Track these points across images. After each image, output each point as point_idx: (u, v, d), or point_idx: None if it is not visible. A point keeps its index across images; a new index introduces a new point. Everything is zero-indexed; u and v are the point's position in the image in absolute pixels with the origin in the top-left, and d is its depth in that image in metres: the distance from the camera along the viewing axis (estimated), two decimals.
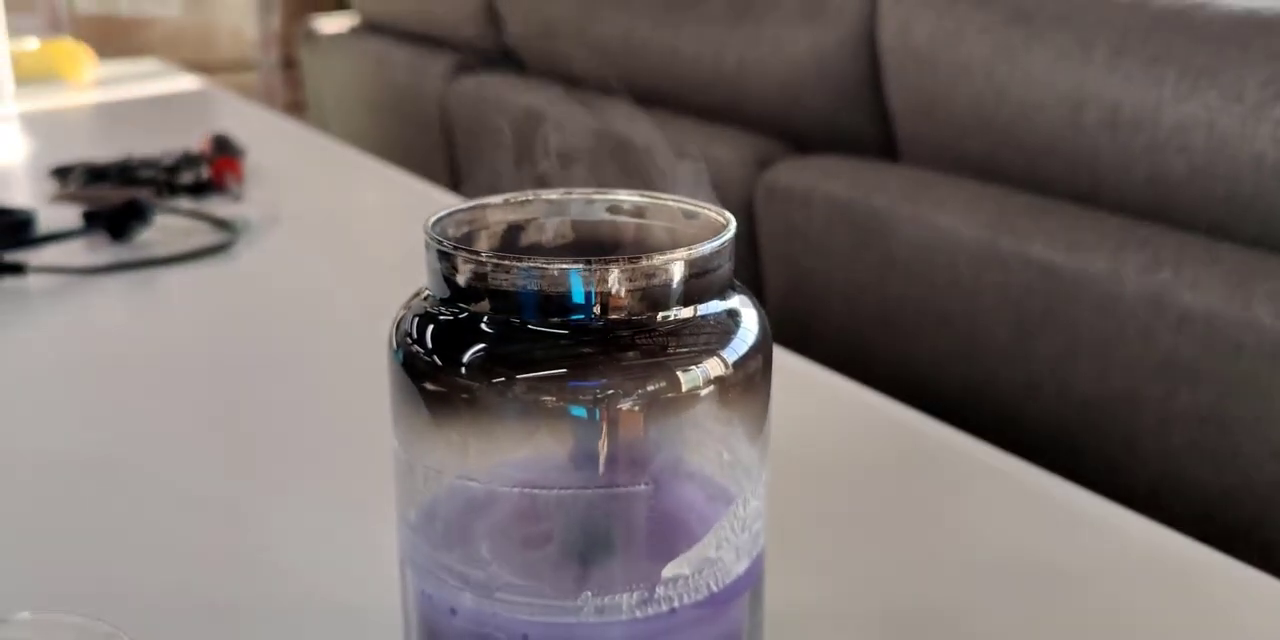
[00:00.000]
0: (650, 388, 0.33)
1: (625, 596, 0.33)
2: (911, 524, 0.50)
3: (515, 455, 0.34)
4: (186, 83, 1.87)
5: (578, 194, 0.38)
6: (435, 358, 0.33)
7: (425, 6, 1.75)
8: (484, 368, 0.32)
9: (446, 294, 0.34)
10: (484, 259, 0.32)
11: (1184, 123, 0.71)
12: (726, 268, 0.35)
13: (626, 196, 0.38)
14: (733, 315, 0.35)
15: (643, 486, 0.33)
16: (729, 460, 0.35)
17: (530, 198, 0.38)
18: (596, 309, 0.33)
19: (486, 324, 0.33)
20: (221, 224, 0.98)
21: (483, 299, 0.33)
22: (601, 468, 0.33)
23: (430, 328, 0.34)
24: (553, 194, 0.38)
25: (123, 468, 0.56)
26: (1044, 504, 0.51)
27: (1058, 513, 0.50)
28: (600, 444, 0.33)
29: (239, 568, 0.47)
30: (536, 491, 0.33)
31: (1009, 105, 0.83)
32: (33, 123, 1.54)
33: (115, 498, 0.53)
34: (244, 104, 1.66)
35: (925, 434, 0.57)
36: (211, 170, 1.13)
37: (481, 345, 0.33)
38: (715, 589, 0.34)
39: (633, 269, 0.32)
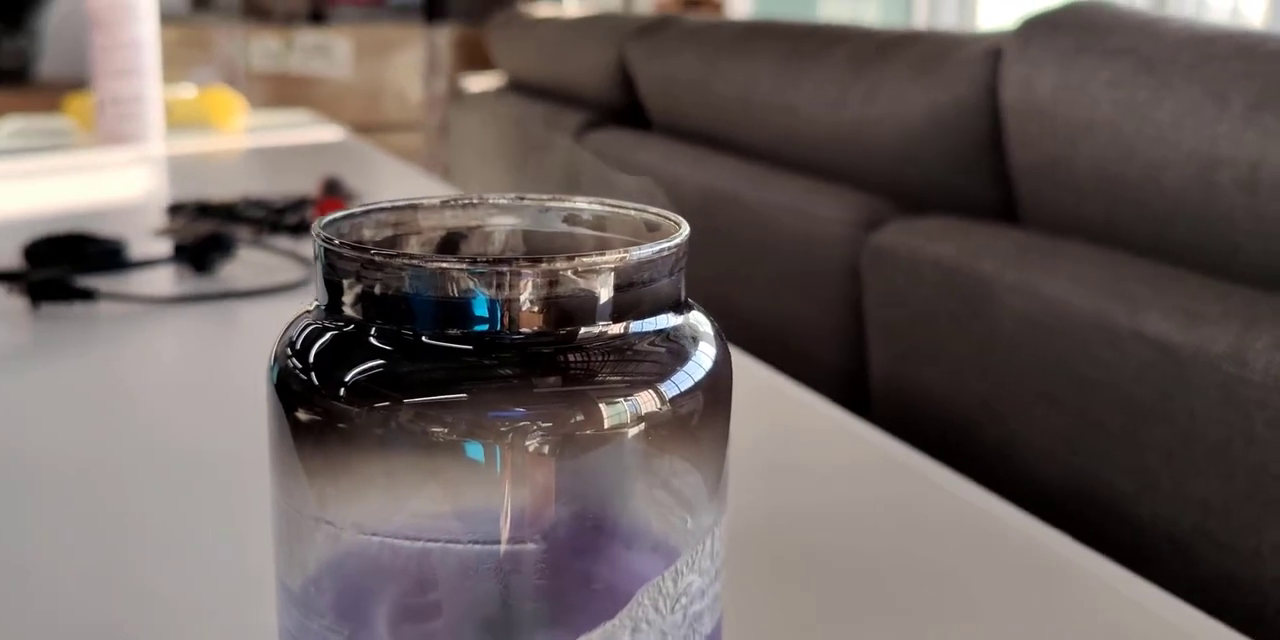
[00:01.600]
0: (562, 421, 0.27)
1: None
2: (999, 635, 0.42)
3: (399, 500, 0.28)
4: (329, 133, 1.90)
5: (530, 199, 0.33)
6: (311, 376, 0.28)
7: (562, 65, 1.74)
8: (363, 389, 0.27)
9: (327, 301, 0.28)
10: (361, 255, 0.27)
11: None
12: (673, 281, 0.29)
13: (585, 205, 0.33)
14: (679, 339, 0.29)
15: (531, 545, 0.27)
16: (659, 521, 0.29)
17: (475, 201, 0.33)
18: (504, 321, 0.27)
19: (375, 337, 0.28)
20: (305, 261, 0.96)
21: (367, 306, 0.28)
22: (489, 517, 0.27)
23: (311, 342, 0.29)
24: (502, 198, 0.33)
25: (170, 489, 0.52)
26: (1153, 623, 0.43)
27: (1169, 635, 0.42)
28: (494, 488, 0.27)
29: None
30: (422, 545, 0.28)
31: (1135, 164, 0.75)
32: (174, 164, 1.57)
33: (190, 527, 0.49)
34: (379, 154, 1.67)
35: (1021, 531, 0.49)
36: (316, 211, 1.13)
37: (364, 363, 0.27)
38: None
39: (545, 271, 0.27)
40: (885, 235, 0.93)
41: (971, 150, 0.92)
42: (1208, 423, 0.64)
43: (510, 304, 0.27)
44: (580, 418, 0.27)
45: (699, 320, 0.30)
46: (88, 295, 0.83)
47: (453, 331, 0.27)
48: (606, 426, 0.27)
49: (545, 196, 0.33)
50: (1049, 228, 0.85)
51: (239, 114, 1.94)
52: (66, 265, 0.88)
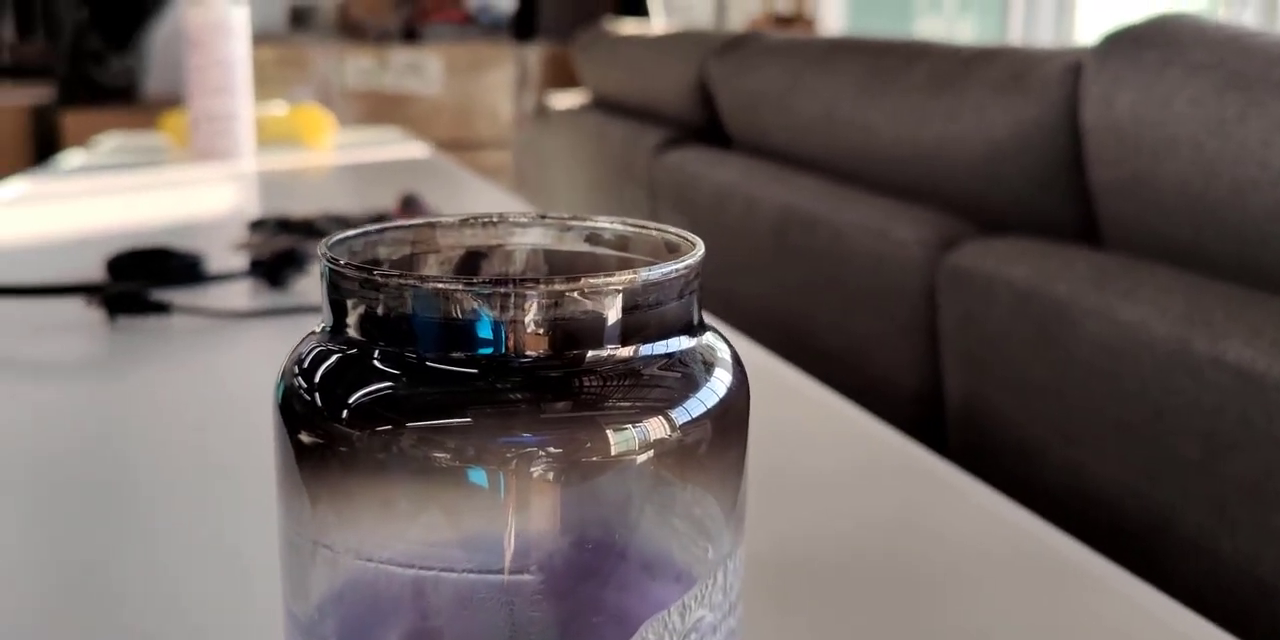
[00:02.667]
0: (569, 448, 0.26)
1: None
2: None
3: (400, 526, 0.27)
4: (416, 150, 1.92)
5: (551, 218, 0.32)
6: (314, 397, 0.27)
7: (645, 82, 1.74)
8: (365, 412, 0.26)
9: (332, 322, 0.28)
10: (361, 275, 0.27)
11: None
12: (684, 303, 0.28)
13: (607, 225, 0.32)
14: (691, 364, 0.28)
15: (528, 576, 0.26)
16: (668, 551, 0.28)
17: (495, 220, 0.32)
18: (509, 343, 0.26)
19: (378, 360, 0.27)
20: None
21: (370, 327, 0.27)
22: (491, 545, 0.26)
23: (317, 363, 0.28)
24: (523, 217, 0.32)
25: (239, 502, 0.53)
26: None
27: None
28: (497, 515, 0.26)
29: None
30: (421, 573, 0.27)
31: (1220, 184, 0.72)
32: (263, 179, 1.60)
33: (251, 546, 0.49)
34: (463, 172, 1.68)
35: (1091, 572, 0.47)
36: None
37: (367, 385, 0.27)
38: None
39: (549, 292, 0.26)
40: (962, 256, 0.90)
41: (1052, 169, 0.90)
42: (1276, 449, 0.62)
43: (515, 326, 0.26)
44: (588, 444, 0.26)
45: (714, 344, 0.29)
46: (162, 309, 0.85)
47: (457, 354, 0.26)
48: (614, 453, 0.26)
49: (566, 216, 0.32)
50: (1130, 248, 0.82)
51: (328, 131, 1.97)
52: (145, 279, 0.89)
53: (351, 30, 3.50)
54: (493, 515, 0.26)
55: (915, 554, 0.48)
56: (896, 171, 1.06)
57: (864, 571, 0.46)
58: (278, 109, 2.00)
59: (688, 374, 0.27)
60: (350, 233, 0.30)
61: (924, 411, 0.97)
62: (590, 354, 0.27)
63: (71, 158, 1.84)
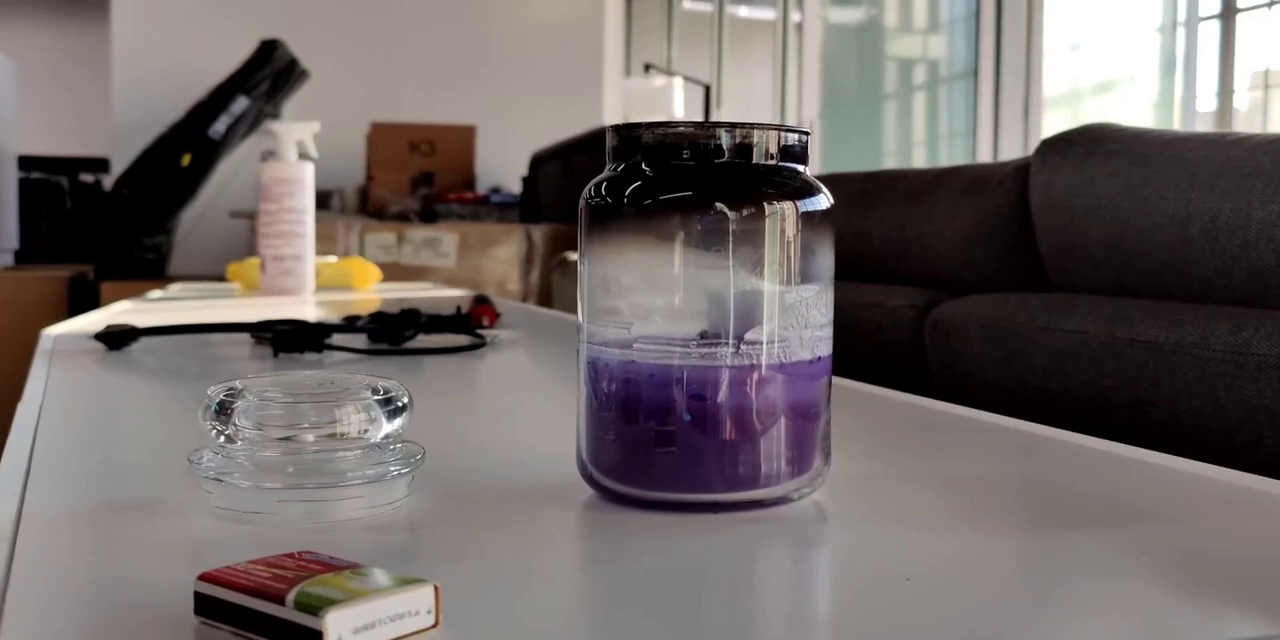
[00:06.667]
0: (747, 209, 0.49)
1: (721, 349, 0.49)
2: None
3: (653, 250, 0.50)
4: (454, 293, 2.18)
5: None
6: (601, 189, 0.51)
7: None
8: (631, 196, 0.50)
9: (616, 165, 0.52)
10: (648, 127, 0.51)
11: (1271, 220, 0.85)
12: (804, 155, 0.52)
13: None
14: (814, 190, 0.52)
15: (732, 268, 0.49)
16: (797, 279, 0.51)
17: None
18: (731, 154, 0.50)
19: (645, 166, 0.51)
20: (478, 335, 1.19)
21: (636, 154, 0.51)
22: (700, 253, 0.49)
23: (605, 180, 0.52)
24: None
25: None
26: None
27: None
28: (714, 236, 0.49)
29: None
30: (664, 270, 0.50)
31: (1132, 232, 0.98)
32: (332, 307, 1.84)
33: None
34: (506, 300, 1.93)
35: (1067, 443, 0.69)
36: (472, 313, 1.37)
37: (637, 182, 0.51)
38: (784, 360, 0.50)
39: (741, 133, 0.50)
40: (941, 311, 1.15)
41: (1008, 245, 1.16)
42: (1180, 396, 0.85)
43: (721, 146, 0.50)
44: (752, 210, 0.49)
45: (821, 187, 0.53)
46: (316, 346, 1.08)
47: (692, 163, 0.50)
48: (767, 214, 0.50)
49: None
50: (1070, 290, 1.07)
51: (375, 278, 2.23)
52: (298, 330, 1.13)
53: (373, 211, 3.82)
54: (703, 235, 0.49)
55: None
56: (887, 264, 1.31)
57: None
58: (329, 259, 2.26)
59: (811, 189, 0.51)
60: (639, 123, 0.54)
61: None
62: (755, 161, 0.50)
63: (151, 293, 2.08)
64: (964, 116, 5.23)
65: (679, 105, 4.84)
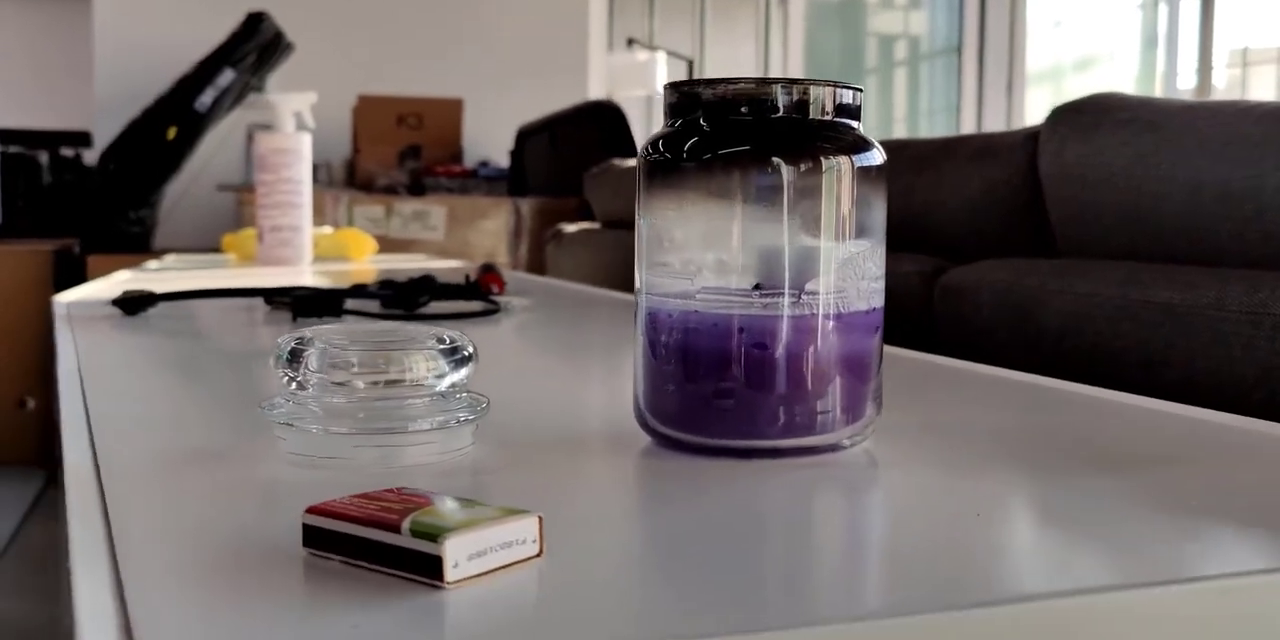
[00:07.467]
0: (804, 163, 0.51)
1: (782, 299, 0.50)
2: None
3: (712, 204, 0.52)
4: (447, 264, 2.19)
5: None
6: (659, 145, 0.52)
7: None
8: (690, 149, 0.51)
9: (674, 120, 0.53)
10: (705, 84, 0.52)
11: None
12: (857, 112, 0.53)
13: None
14: (869, 146, 0.53)
15: (790, 221, 0.50)
16: (854, 232, 0.52)
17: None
18: (787, 110, 0.51)
19: (704, 125, 0.52)
20: (491, 301, 1.20)
21: (694, 110, 0.52)
22: (755, 203, 0.51)
23: (661, 135, 0.53)
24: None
25: None
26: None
27: None
28: (772, 190, 0.51)
29: None
30: (723, 223, 0.51)
31: (1144, 199, 1.00)
32: (332, 276, 1.85)
33: None
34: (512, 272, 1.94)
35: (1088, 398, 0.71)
36: (481, 281, 1.38)
37: (696, 137, 0.52)
38: (841, 310, 0.51)
39: (799, 89, 0.51)
40: (950, 278, 1.17)
41: (1014, 214, 1.17)
42: (1195, 356, 0.87)
43: (778, 102, 0.51)
44: (810, 164, 0.51)
45: (875, 143, 0.54)
46: (335, 311, 1.08)
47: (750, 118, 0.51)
48: (824, 167, 0.51)
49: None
50: (1080, 256, 1.09)
51: (371, 249, 2.23)
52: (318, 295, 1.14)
53: (361, 184, 3.82)
54: (762, 187, 0.51)
55: None
56: (893, 231, 1.32)
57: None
58: (325, 230, 2.26)
59: (866, 145, 0.53)
60: (687, 79, 0.55)
61: None
62: (812, 117, 0.52)
63: (149, 263, 2.08)
64: (944, 93, 5.28)
65: (662, 79, 4.84)
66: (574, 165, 3.41)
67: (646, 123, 4.81)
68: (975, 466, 0.53)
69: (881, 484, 0.51)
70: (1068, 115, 1.12)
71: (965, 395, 0.72)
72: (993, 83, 5.20)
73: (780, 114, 0.52)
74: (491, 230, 3.68)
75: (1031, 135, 1.19)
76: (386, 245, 3.56)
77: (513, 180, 3.84)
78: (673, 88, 0.53)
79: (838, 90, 0.53)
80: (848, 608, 0.35)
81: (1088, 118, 1.10)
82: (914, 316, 1.21)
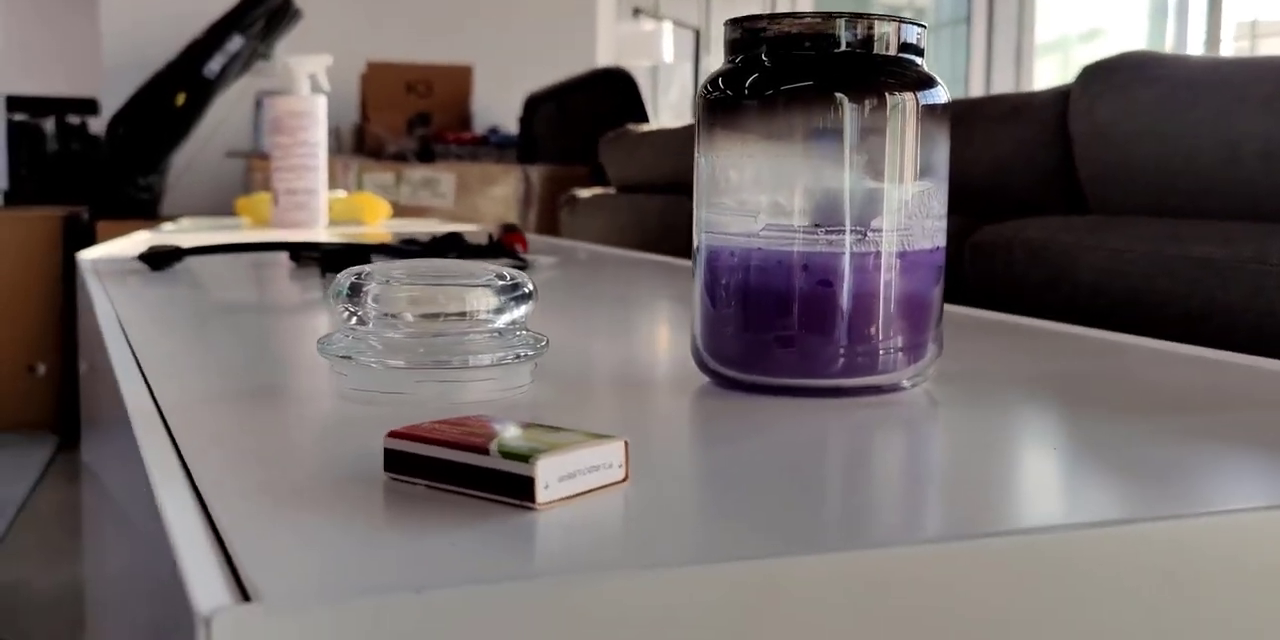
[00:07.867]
0: (869, 99, 0.50)
1: (845, 236, 0.50)
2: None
3: (775, 141, 0.51)
4: (468, 226, 2.18)
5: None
6: (719, 82, 0.52)
7: (679, 166, 2.02)
8: (760, 84, 0.51)
9: (735, 58, 0.52)
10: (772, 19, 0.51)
11: None
12: (920, 49, 0.53)
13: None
14: (933, 83, 0.52)
15: (854, 157, 0.50)
16: (918, 169, 0.52)
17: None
18: (851, 45, 0.51)
19: (765, 62, 0.52)
20: (519, 259, 1.20)
21: (756, 46, 0.52)
22: (822, 144, 0.50)
23: (738, 74, 0.52)
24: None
25: None
26: None
27: None
28: (836, 126, 0.50)
29: None
30: (786, 160, 0.51)
31: (1177, 155, 0.99)
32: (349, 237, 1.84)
33: None
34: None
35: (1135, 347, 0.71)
36: (504, 240, 1.38)
37: (757, 73, 0.51)
38: (906, 248, 0.51)
39: (865, 23, 0.51)
40: (981, 235, 1.16)
41: (1044, 173, 1.17)
42: (1235, 310, 0.87)
43: (840, 37, 0.51)
44: (875, 101, 0.50)
45: (939, 80, 0.53)
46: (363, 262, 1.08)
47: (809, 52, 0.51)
48: (889, 106, 0.50)
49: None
50: (1111, 213, 1.08)
51: (385, 213, 2.23)
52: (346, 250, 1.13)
53: (370, 151, 3.80)
54: (826, 126, 0.50)
55: None
56: None
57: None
58: (339, 194, 2.26)
59: (932, 83, 0.52)
60: (749, 15, 0.54)
61: None
62: (876, 53, 0.51)
63: (164, 226, 2.07)
64: (950, 63, 5.25)
65: (668, 49, 4.82)
66: (583, 132, 3.41)
67: (652, 92, 4.79)
68: (1040, 408, 0.52)
69: (942, 422, 0.51)
70: (1100, 73, 1.12)
71: (1009, 345, 0.72)
72: (1001, 53, 5.18)
73: (844, 49, 0.51)
74: (501, 197, 3.67)
75: (1062, 94, 1.18)
76: (397, 212, 3.55)
77: (522, 147, 3.82)
78: (734, 23, 0.53)
79: (902, 26, 0.52)
80: (907, 532, 0.35)
81: (1121, 75, 1.09)
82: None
